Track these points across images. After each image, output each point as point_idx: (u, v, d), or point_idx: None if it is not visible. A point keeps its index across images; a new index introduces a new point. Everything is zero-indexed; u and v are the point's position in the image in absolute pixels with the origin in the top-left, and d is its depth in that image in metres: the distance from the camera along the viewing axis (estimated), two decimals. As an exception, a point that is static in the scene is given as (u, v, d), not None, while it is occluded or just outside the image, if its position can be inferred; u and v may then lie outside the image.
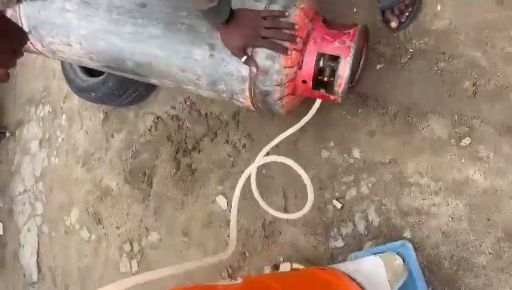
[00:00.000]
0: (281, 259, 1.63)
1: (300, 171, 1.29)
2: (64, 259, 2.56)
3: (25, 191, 2.94)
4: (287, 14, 1.17)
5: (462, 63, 1.32)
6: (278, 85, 1.24)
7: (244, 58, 1.16)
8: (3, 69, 0.70)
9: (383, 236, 1.38)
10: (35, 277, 2.76)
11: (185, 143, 2.02)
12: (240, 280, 0.82)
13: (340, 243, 1.49)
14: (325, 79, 1.30)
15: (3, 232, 3.11)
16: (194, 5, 1.01)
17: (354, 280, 1.05)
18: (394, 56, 1.44)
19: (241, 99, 1.34)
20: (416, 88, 1.39)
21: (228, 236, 1.80)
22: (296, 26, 1.17)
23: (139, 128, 2.22)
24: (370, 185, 1.44)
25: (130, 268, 2.16)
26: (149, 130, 2.17)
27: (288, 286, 0.85)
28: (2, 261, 3.09)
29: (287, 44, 1.16)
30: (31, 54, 1.70)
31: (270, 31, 1.14)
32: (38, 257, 2.76)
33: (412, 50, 1.41)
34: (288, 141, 1.62)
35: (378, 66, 1.46)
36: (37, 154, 2.87)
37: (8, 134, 3.13)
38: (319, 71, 1.30)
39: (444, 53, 1.34)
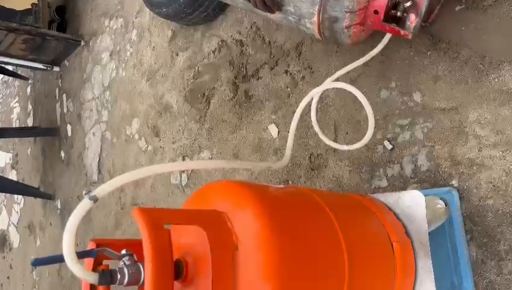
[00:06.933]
0: (323, 191, 1.68)
1: (364, 102, 1.26)
2: (122, 164, 2.78)
3: (93, 98, 3.16)
4: None
5: (553, 12, 1.21)
6: (349, 12, 1.21)
7: None
8: None
9: (429, 181, 1.38)
10: (95, 177, 3.04)
11: (246, 69, 2.05)
12: (281, 185, 0.87)
13: (384, 183, 1.50)
14: (398, 14, 1.26)
15: (71, 133, 3.40)
16: None
17: (392, 210, 1.07)
18: (478, -2, 1.34)
19: (308, 24, 1.33)
20: (495, 35, 1.30)
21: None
22: None
23: (204, 49, 2.28)
24: (425, 130, 1.41)
25: (181, 181, 2.31)
26: (213, 52, 2.22)
27: (327, 201, 0.89)
28: (69, 159, 3.41)
29: None
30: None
31: None
32: (99, 159, 3.01)
33: (499, -8, 1.30)
34: (348, 77, 1.60)
35: (458, 8, 1.38)
36: (107, 65, 3.04)
37: (82, 43, 3.32)
38: (393, 5, 1.25)
39: (535, -2, 1.24)
